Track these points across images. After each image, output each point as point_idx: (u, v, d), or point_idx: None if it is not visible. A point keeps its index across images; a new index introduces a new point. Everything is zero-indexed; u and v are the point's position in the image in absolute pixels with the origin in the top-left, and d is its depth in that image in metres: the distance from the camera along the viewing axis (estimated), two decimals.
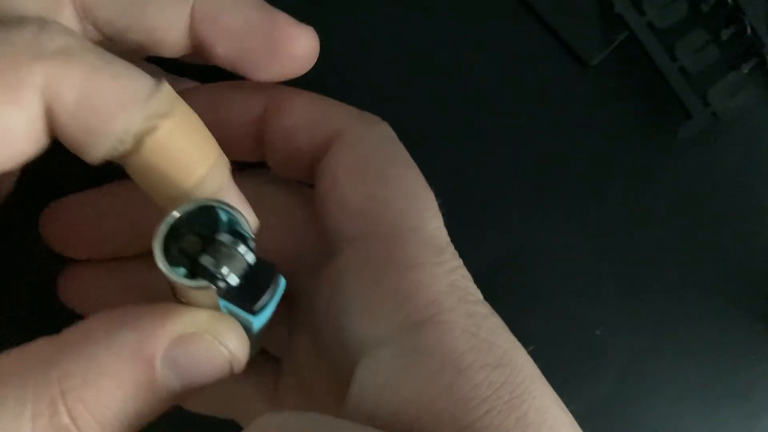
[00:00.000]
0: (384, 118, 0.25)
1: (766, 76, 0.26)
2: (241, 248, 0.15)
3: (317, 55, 0.20)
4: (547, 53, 0.26)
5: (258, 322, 0.17)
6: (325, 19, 0.26)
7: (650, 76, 0.26)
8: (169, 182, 0.15)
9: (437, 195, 0.25)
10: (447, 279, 0.18)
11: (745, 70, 0.26)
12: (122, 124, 0.15)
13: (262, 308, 0.16)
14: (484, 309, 0.18)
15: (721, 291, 0.26)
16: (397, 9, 0.26)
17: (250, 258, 0.15)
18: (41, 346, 0.16)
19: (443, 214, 0.25)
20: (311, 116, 0.20)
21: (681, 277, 0.26)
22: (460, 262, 0.19)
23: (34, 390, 0.15)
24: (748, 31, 0.26)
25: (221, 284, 0.15)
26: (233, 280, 0.15)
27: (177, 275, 0.14)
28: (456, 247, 0.25)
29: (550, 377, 0.25)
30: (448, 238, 0.20)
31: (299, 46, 0.19)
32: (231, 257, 0.15)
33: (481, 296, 0.18)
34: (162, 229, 0.14)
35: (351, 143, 0.20)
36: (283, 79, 0.20)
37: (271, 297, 0.16)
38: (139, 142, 0.15)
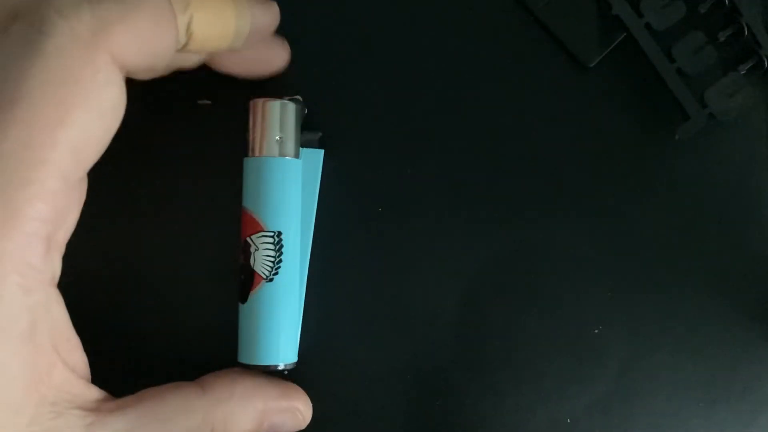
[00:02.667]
0: (384, 120, 0.26)
1: (763, 77, 0.26)
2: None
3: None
4: (545, 55, 0.26)
5: (294, 164, 0.23)
6: (324, 19, 0.26)
7: (648, 78, 0.26)
8: (221, 36, 0.22)
9: (437, 196, 0.25)
10: None
11: (743, 71, 0.26)
12: (171, 34, 0.20)
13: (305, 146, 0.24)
14: None
15: (719, 291, 0.26)
16: (395, 13, 0.26)
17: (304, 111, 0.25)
18: None
19: (444, 216, 0.25)
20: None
21: (679, 276, 0.26)
22: None
23: None
24: (746, 32, 0.26)
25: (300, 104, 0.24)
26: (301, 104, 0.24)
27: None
28: (456, 247, 0.25)
29: (549, 375, 0.25)
30: None
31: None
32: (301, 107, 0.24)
33: None
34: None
35: None
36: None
37: (309, 145, 0.25)
38: (188, 31, 0.20)
